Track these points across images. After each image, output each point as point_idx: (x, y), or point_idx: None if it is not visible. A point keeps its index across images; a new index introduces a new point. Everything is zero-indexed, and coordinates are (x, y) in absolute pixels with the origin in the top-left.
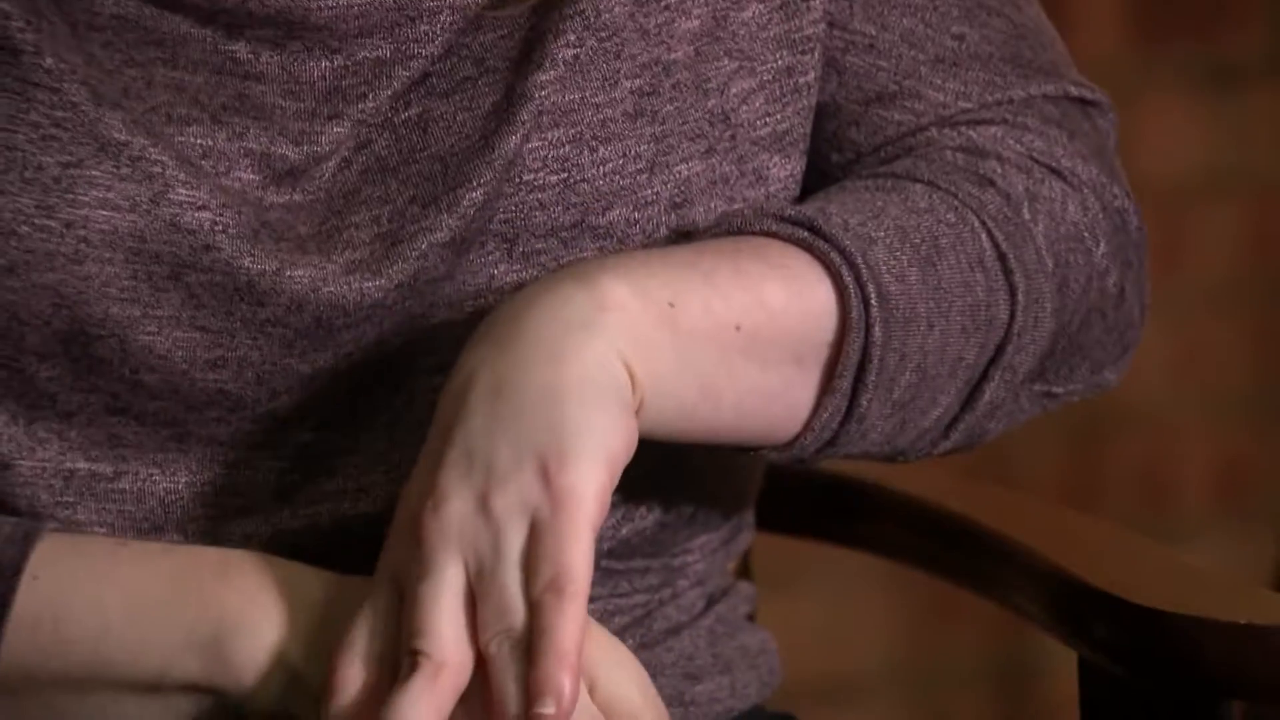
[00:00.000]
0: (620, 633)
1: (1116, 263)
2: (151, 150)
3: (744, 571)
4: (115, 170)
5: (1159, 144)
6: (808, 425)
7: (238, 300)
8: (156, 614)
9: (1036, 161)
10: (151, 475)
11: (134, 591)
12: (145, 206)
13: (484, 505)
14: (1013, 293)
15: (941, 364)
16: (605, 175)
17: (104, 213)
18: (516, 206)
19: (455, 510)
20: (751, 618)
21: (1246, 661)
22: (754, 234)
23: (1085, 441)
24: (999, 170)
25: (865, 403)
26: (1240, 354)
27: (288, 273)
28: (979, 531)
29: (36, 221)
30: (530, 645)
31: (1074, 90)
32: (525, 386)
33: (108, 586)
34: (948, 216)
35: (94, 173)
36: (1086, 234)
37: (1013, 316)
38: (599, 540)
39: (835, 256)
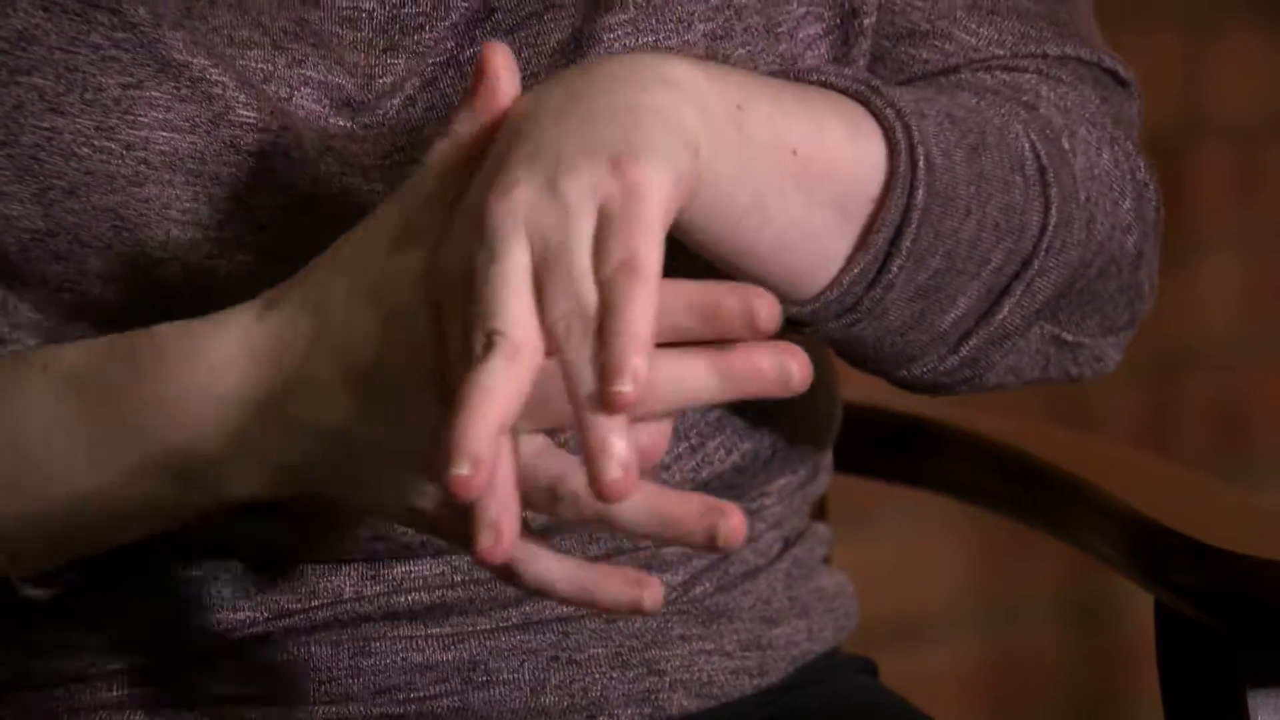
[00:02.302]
0: (698, 575)
1: (1138, 225)
2: (212, 71)
3: (819, 513)
4: (175, 91)
5: (1236, 79)
6: (835, 279)
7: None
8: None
9: (1072, 110)
10: None
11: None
12: (205, 128)
13: (553, 188)
14: (1047, 207)
15: (970, 258)
16: None
17: (164, 134)
18: None
19: (523, 193)
20: (827, 560)
21: None
22: (814, 83)
23: (1159, 381)
24: (1038, 103)
25: (895, 269)
26: None
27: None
28: (1053, 473)
29: (96, 143)
30: (601, 325)
31: (1108, 62)
32: (600, 100)
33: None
34: (993, 118)
35: (154, 93)
36: (1116, 186)
37: (1043, 231)
38: (679, 484)
39: (890, 113)
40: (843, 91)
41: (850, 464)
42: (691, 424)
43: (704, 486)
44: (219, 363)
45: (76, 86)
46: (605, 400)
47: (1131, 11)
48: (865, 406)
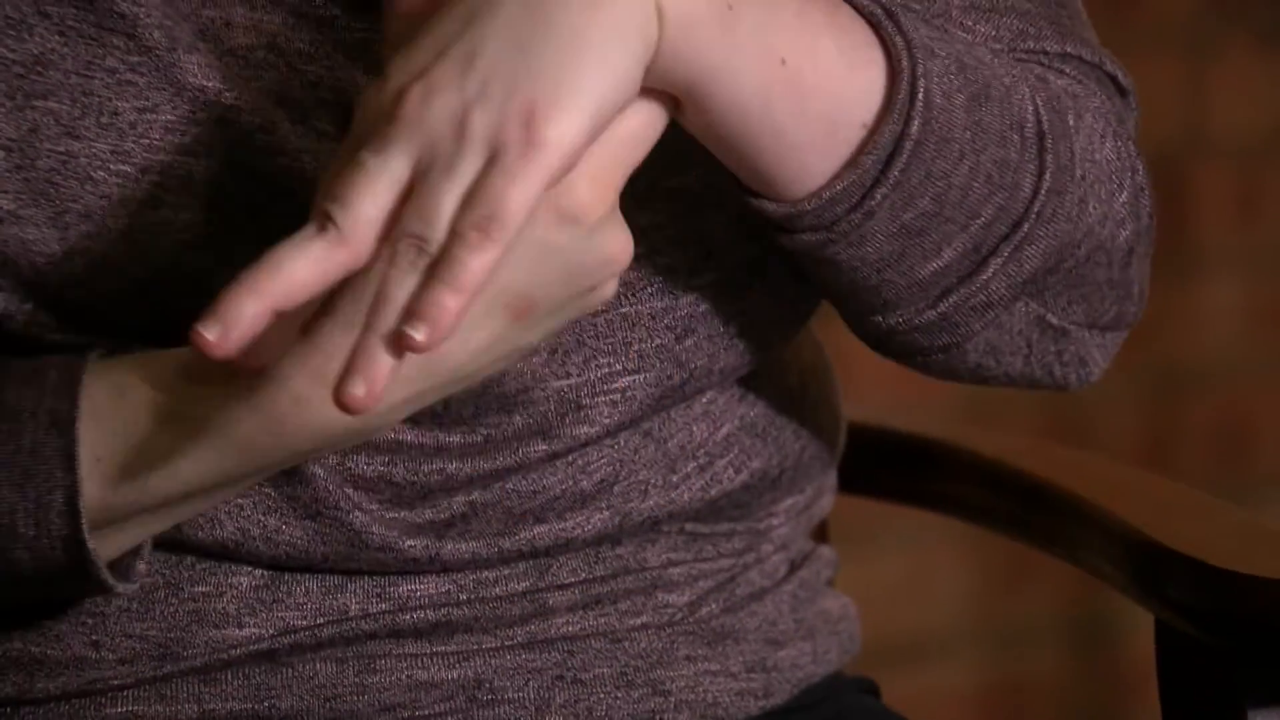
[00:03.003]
0: (704, 596)
1: (1132, 221)
2: (228, 95)
3: (821, 534)
4: (191, 115)
5: (1237, 98)
6: (816, 191)
7: None
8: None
9: (1079, 97)
10: None
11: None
12: (221, 151)
13: (464, 115)
14: (1041, 171)
15: (960, 207)
16: None
17: (180, 157)
18: None
19: (437, 105)
20: (831, 583)
21: None
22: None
23: (1160, 401)
24: (1049, 79)
25: (879, 197)
26: None
27: None
28: (1055, 492)
29: (112, 166)
30: (433, 265)
31: (1109, 66)
32: (555, 18)
33: (174, 444)
34: (1003, 75)
35: (169, 117)
36: (1114, 177)
37: (1035, 194)
38: (688, 503)
39: (899, 42)
40: (859, 10)
41: (852, 484)
42: (699, 443)
43: (713, 505)
44: None
45: (92, 110)
46: (396, 335)
47: (1133, 32)
48: (868, 426)
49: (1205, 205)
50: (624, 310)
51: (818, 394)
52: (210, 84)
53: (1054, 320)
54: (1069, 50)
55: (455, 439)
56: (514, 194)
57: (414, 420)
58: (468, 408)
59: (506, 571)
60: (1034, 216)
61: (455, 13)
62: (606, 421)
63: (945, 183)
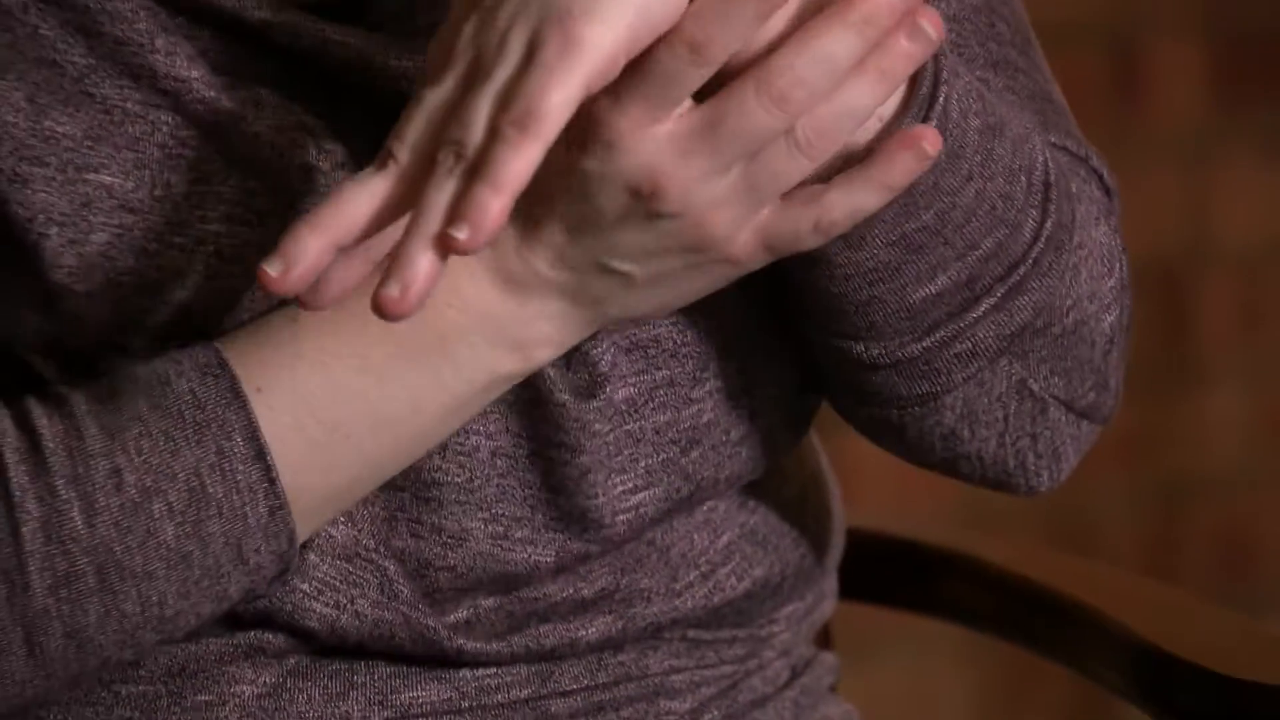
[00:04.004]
0: (706, 703)
1: (1116, 308)
2: (277, 164)
3: (824, 641)
4: (243, 185)
5: (1239, 208)
6: None
7: None
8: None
9: (1076, 174)
10: None
11: (358, 347)
12: (275, 220)
13: (507, 30)
14: (1044, 219)
15: (960, 231)
16: None
17: (234, 227)
18: None
19: (484, 28)
20: (834, 689)
21: None
22: None
23: (1163, 510)
24: (1053, 151)
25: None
26: None
27: None
28: (1060, 600)
29: (167, 239)
30: (473, 167)
31: (1095, 162)
32: None
33: (333, 359)
34: (1018, 122)
35: (222, 189)
36: (1105, 261)
37: (1034, 241)
38: (690, 611)
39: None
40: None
41: (854, 590)
42: (701, 551)
43: (715, 613)
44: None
45: (145, 184)
46: (439, 238)
47: (1135, 141)
48: (870, 532)
49: (1208, 315)
50: (628, 427)
51: (818, 501)
52: (261, 154)
53: (1034, 387)
54: (1054, 140)
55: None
56: (552, 88)
57: (437, 503)
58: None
59: (509, 678)
60: (1030, 263)
61: None
62: (618, 538)
63: (950, 200)
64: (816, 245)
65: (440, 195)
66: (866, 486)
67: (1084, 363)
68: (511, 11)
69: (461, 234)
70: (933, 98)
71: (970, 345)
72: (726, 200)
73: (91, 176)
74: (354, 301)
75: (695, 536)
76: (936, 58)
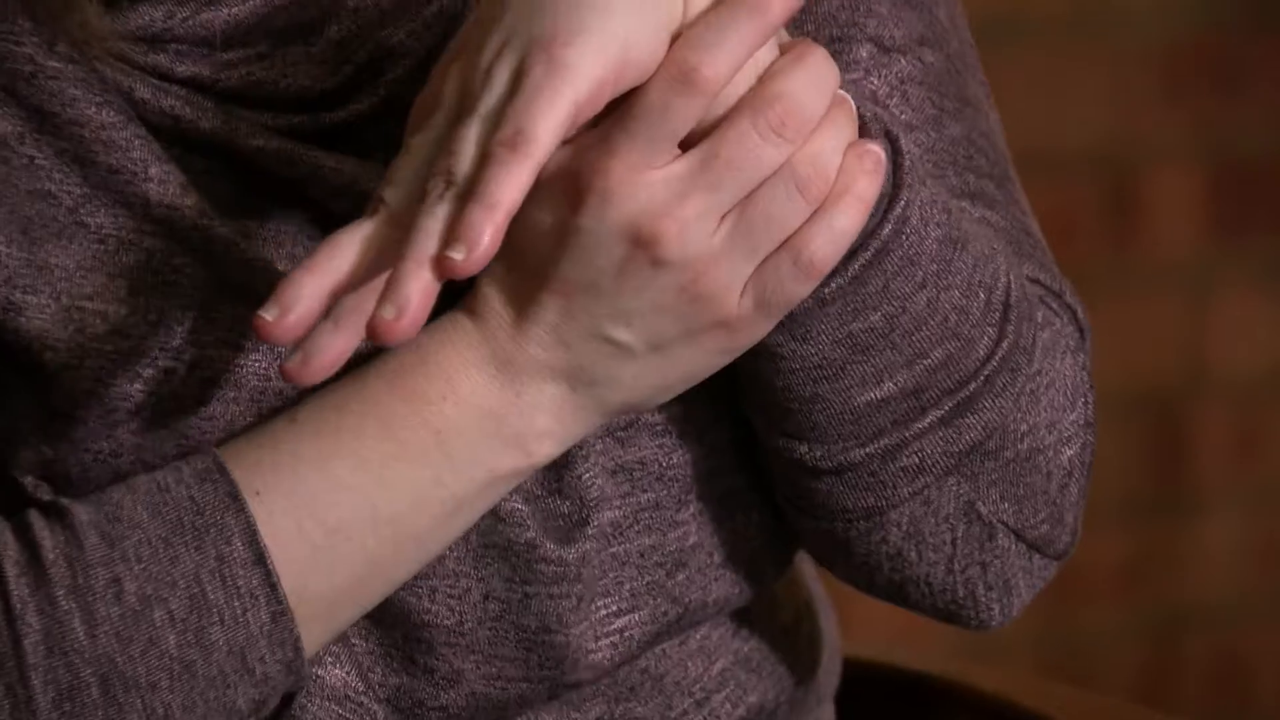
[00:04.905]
0: None
1: (1077, 443)
2: (269, 290)
3: None
4: (235, 311)
5: (1236, 337)
6: None
7: None
8: (399, 457)
9: (1045, 304)
10: None
11: (356, 448)
12: (268, 345)
13: (490, 64)
14: (1000, 339)
15: (909, 338)
16: None
17: (228, 352)
18: None
19: (466, 68)
20: None
21: None
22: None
23: (1159, 639)
24: (1022, 279)
25: (834, 287)
26: None
27: None
28: None
29: (161, 364)
30: (467, 190)
31: (1069, 298)
32: None
33: (331, 459)
34: (984, 242)
35: (215, 315)
36: (1067, 393)
37: (987, 359)
38: None
39: (886, 145)
40: (861, 115)
41: None
42: (695, 678)
43: None
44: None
45: (140, 309)
46: (436, 260)
47: (1132, 271)
48: (867, 662)
49: (1205, 443)
50: (614, 550)
51: (812, 629)
52: (256, 282)
53: (983, 511)
54: (1030, 274)
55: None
56: (541, 108)
57: (427, 645)
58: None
59: None
60: (982, 380)
61: (478, 14)
62: (607, 664)
63: (900, 305)
64: (806, 292)
65: (431, 220)
66: (863, 615)
67: (1038, 493)
68: (495, 48)
69: (458, 255)
70: (892, 199)
71: (917, 460)
72: (724, 251)
73: (85, 304)
74: (352, 401)
75: (689, 664)
76: (901, 165)
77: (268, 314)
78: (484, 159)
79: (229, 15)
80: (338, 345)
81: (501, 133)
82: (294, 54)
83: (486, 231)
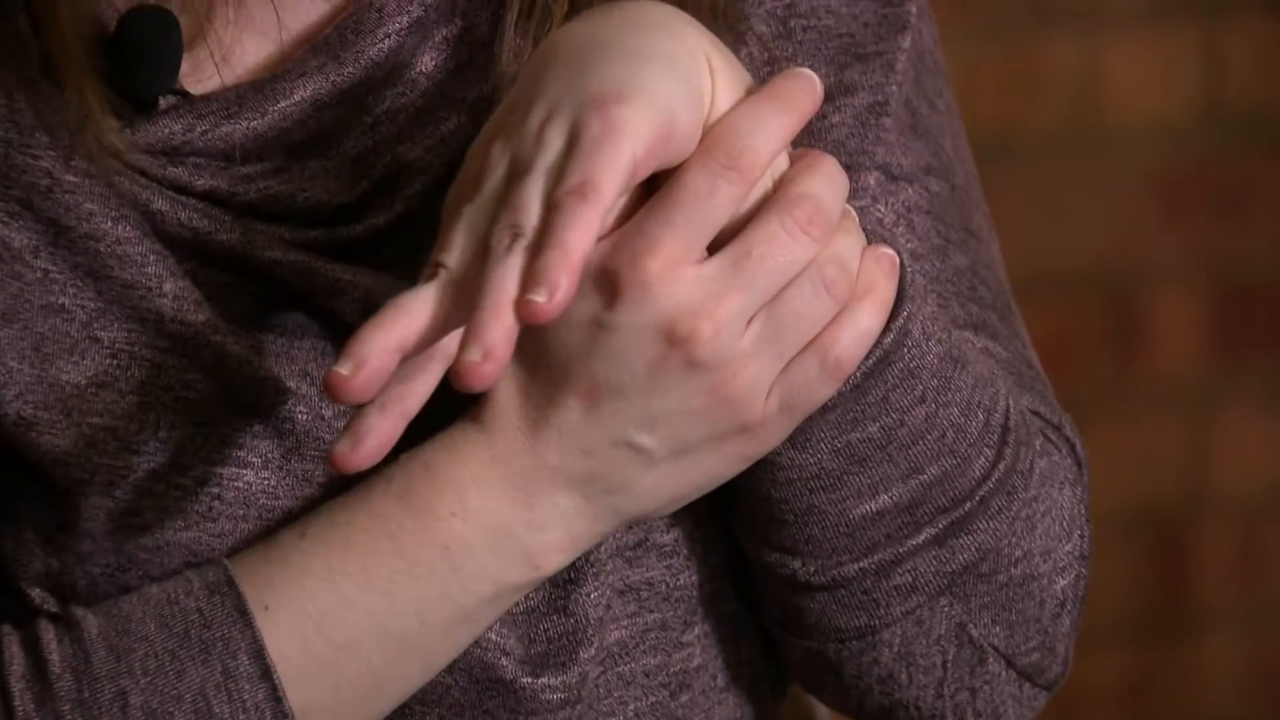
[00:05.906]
0: None
1: (1070, 574)
2: (282, 409)
3: None
4: (248, 428)
5: (1238, 456)
6: None
7: None
8: (406, 569)
9: (1045, 435)
10: None
11: (365, 564)
12: (278, 463)
13: (540, 129)
14: (996, 460)
15: (906, 452)
16: None
17: (237, 469)
18: None
19: (515, 137)
20: None
21: None
22: None
23: None
24: (1023, 409)
25: (835, 394)
26: None
27: None
28: None
29: (170, 479)
30: (538, 239)
31: (1068, 430)
32: (613, 44)
33: (339, 575)
34: (984, 367)
35: (226, 431)
36: (1064, 524)
37: (983, 480)
38: None
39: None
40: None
41: None
42: None
43: None
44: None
45: (150, 425)
46: (518, 305)
47: (1135, 392)
48: None
49: (1207, 564)
50: (619, 670)
51: None
52: (267, 399)
53: (974, 634)
54: (1030, 406)
55: None
56: (604, 160)
57: None
58: None
59: None
60: (978, 500)
61: (523, 76)
62: None
63: (899, 418)
64: (830, 393)
65: (503, 271)
66: None
67: (1030, 620)
68: (541, 116)
69: (540, 298)
70: (895, 310)
71: (910, 578)
72: (754, 352)
73: (95, 420)
74: (360, 517)
75: None
76: (903, 278)
77: (343, 368)
78: (550, 211)
79: (248, 129)
80: (385, 428)
81: (567, 183)
82: (312, 168)
83: (564, 275)
